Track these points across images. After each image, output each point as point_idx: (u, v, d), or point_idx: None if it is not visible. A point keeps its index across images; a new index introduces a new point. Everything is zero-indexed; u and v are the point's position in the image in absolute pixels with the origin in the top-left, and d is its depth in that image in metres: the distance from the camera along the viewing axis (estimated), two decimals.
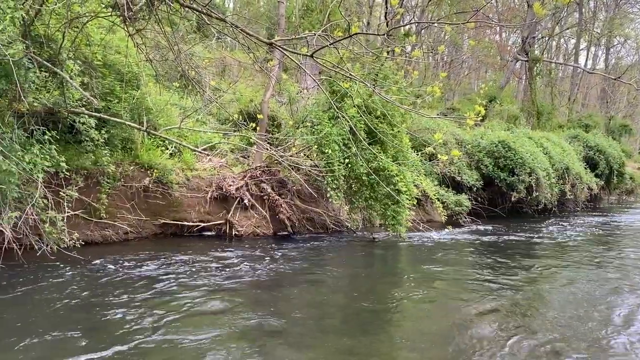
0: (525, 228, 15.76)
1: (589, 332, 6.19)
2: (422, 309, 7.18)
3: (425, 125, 17.43)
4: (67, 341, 5.18)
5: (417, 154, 14.36)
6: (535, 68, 32.17)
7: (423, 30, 29.84)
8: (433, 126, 17.64)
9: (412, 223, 12.94)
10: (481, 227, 15.43)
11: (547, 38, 38.40)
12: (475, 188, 17.31)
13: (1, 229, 7.60)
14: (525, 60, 31.23)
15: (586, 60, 47.75)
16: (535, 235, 14.31)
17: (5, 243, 7.71)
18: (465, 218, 15.95)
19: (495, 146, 18.10)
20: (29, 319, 5.76)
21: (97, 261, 8.42)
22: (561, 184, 19.63)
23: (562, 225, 17.04)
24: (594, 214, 21.70)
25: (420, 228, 13.79)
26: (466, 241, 12.89)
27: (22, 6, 7.21)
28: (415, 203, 12.57)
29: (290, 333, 5.81)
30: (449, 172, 16.92)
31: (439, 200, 14.51)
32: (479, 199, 17.76)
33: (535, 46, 34.39)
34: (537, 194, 17.92)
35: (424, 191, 14.69)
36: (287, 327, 5.97)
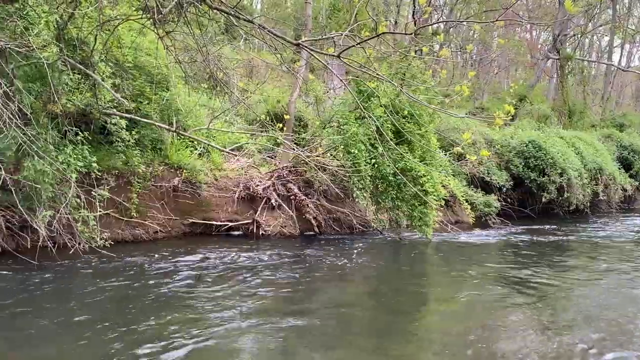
0: (556, 229, 15.44)
1: (621, 334, 6.03)
2: (449, 310, 7.11)
3: (454, 124, 17.21)
4: (100, 333, 5.30)
5: (445, 154, 14.21)
6: (567, 66, 31.45)
7: (451, 29, 29.52)
8: (461, 126, 17.42)
9: (439, 224, 12.81)
10: (511, 229, 15.18)
11: (579, 35, 37.51)
12: (504, 189, 17.05)
13: (36, 227, 7.83)
14: (557, 59, 30.57)
15: (620, 58, 46.46)
16: (567, 237, 14.00)
17: (40, 241, 7.94)
18: (495, 219, 15.71)
19: (526, 146, 17.77)
20: (63, 314, 5.91)
21: (129, 259, 8.59)
22: (594, 185, 19.14)
23: (594, 226, 16.64)
24: (628, 215, 21.10)
25: (448, 229, 13.65)
26: (495, 242, 12.71)
27: (56, 10, 7.40)
28: (443, 204, 12.44)
29: (316, 332, 5.82)
30: (477, 172, 16.69)
31: (467, 201, 14.33)
32: (509, 199, 17.48)
33: (567, 44, 33.64)
34: (568, 194, 17.51)
35: (452, 192, 14.53)
36: (313, 326, 5.99)
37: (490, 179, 16.79)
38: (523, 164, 17.62)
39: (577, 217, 18.67)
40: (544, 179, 17.24)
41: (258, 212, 11.83)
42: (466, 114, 20.92)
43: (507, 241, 12.94)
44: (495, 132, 18.78)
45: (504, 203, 16.82)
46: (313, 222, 12.18)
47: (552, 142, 18.20)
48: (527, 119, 25.24)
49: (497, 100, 30.44)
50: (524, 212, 18.06)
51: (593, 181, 19.22)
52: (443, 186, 12.96)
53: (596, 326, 6.35)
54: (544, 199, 17.38)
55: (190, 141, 11.59)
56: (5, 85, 6.83)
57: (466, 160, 15.51)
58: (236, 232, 11.75)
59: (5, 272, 7.26)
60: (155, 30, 8.37)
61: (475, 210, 14.89)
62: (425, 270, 10.02)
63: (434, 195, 11.50)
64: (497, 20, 5.69)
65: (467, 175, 16.52)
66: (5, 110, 6.76)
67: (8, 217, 8.04)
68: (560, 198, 17.61)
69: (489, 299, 7.55)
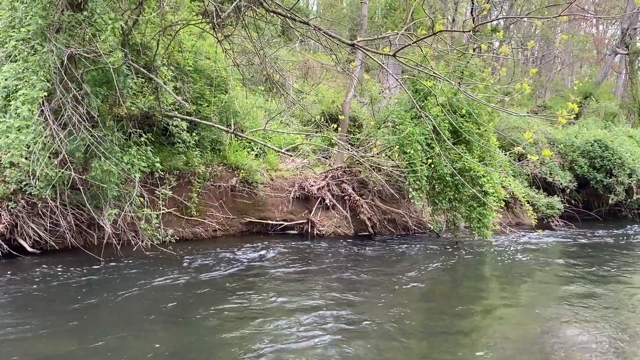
0: (623, 233, 14.66)
1: None
2: (507, 314, 6.90)
3: (514, 123, 16.71)
4: (161, 326, 5.50)
5: (505, 154, 13.79)
6: (637, 61, 29.83)
7: (512, 25, 28.64)
8: (522, 125, 16.87)
9: (499, 226, 12.46)
10: (575, 232, 14.55)
11: None
12: (568, 190, 16.38)
13: (102, 225, 8.23)
14: (626, 54, 29.03)
15: None
16: (635, 241, 13.27)
17: (106, 238, 8.33)
18: (557, 221, 15.12)
19: (591, 145, 17.00)
20: (128, 307, 6.17)
21: (189, 256, 8.86)
22: None
23: None
24: None
25: (508, 232, 13.25)
26: (558, 246, 12.22)
27: (121, 17, 7.75)
28: (502, 205, 12.09)
29: (369, 333, 5.80)
30: (539, 172, 16.13)
31: (528, 203, 13.85)
32: (573, 201, 16.80)
33: (637, 38, 31.89)
34: (638, 196, 16.62)
35: (513, 193, 14.09)
36: (366, 327, 5.97)
37: (553, 180, 16.18)
38: (588, 164, 16.87)
39: None
40: (610, 180, 16.44)
41: (312, 212, 11.92)
42: (527, 112, 20.27)
43: (571, 245, 12.41)
44: (558, 131, 18.08)
45: (567, 205, 16.17)
46: (367, 222, 12.14)
47: (620, 142, 17.33)
48: (593, 118, 24.16)
49: (560, 98, 29.32)
50: (589, 214, 17.30)
51: None
52: (503, 187, 12.59)
53: None
54: (610, 201, 16.60)
55: (247, 142, 11.84)
56: (75, 89, 7.21)
57: (527, 160, 14.99)
58: (291, 232, 11.89)
59: (74, 267, 7.65)
60: (214, 34, 8.62)
61: (537, 212, 14.37)
62: (482, 273, 9.77)
63: (494, 196, 11.19)
64: (560, 15, 5.46)
65: (528, 175, 16.00)
66: (74, 113, 7.14)
67: (77, 215, 8.47)
68: (629, 200, 16.76)
69: (550, 305, 7.27)
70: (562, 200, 15.79)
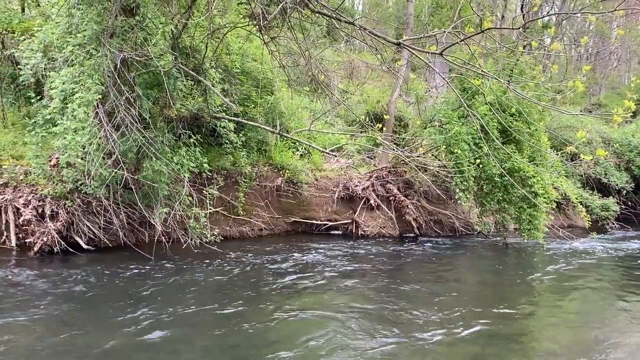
0: None
1: None
2: (558, 319, 6.67)
3: (567, 122, 16.19)
4: (209, 320, 5.61)
5: (557, 154, 13.35)
6: None
7: (564, 21, 27.67)
8: (575, 124, 16.32)
9: (550, 228, 12.07)
10: (631, 234, 13.92)
11: None
12: (624, 191, 15.73)
13: (153, 223, 8.47)
14: None
15: None
16: None
17: (156, 236, 8.58)
18: (613, 224, 14.55)
19: None
20: (178, 301, 6.33)
21: (236, 254, 9.00)
22: None
23: None
24: None
25: (560, 234, 12.81)
26: (612, 249, 11.72)
27: (171, 21, 7.96)
28: (554, 207, 11.71)
29: (416, 336, 5.72)
30: (593, 173, 15.57)
31: (581, 204, 13.36)
32: (629, 203, 16.16)
33: None
34: None
35: (565, 194, 13.63)
36: (412, 330, 5.89)
37: (608, 181, 15.58)
38: None
39: None
40: None
41: (357, 212, 11.89)
42: (581, 111, 19.57)
43: (627, 248, 11.88)
44: (614, 130, 17.38)
45: (623, 207, 15.55)
46: (413, 223, 12.01)
47: None
48: None
49: (616, 96, 28.14)
50: None
51: None
52: (554, 188, 12.20)
53: None
54: None
55: (292, 142, 11.94)
56: (128, 92, 7.45)
57: (580, 160, 14.47)
58: (336, 232, 11.90)
59: (127, 263, 7.91)
60: (261, 36, 8.74)
61: (591, 213, 13.86)
62: (532, 276, 9.47)
63: (545, 198, 10.85)
64: (616, 10, 5.23)
65: (581, 176, 15.47)
66: (127, 115, 7.39)
67: (129, 213, 8.77)
68: None
69: (604, 311, 6.98)
70: (617, 202, 15.20)
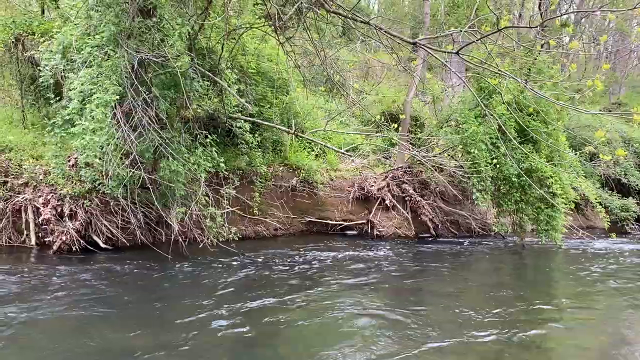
0: None
1: None
2: (577, 322, 6.57)
3: (585, 122, 15.99)
4: (226, 320, 5.63)
5: (576, 154, 13.18)
6: None
7: (583, 19, 27.32)
8: (594, 123, 16.11)
9: (568, 229, 11.92)
10: None
11: None
12: None
13: (170, 222, 8.54)
14: None
15: None
16: None
17: (173, 236, 8.64)
18: (633, 225, 14.31)
19: None
20: (195, 299, 6.37)
21: (252, 254, 9.04)
22: None
23: None
24: None
25: (579, 235, 12.64)
26: (633, 251, 11.53)
27: (187, 22, 8.01)
28: (572, 207, 11.55)
29: (432, 337, 5.68)
30: (613, 173, 15.34)
31: (601, 205, 13.17)
32: None
33: None
34: None
35: (584, 194, 13.44)
36: (428, 334, 5.84)
37: (628, 181, 15.34)
38: None
39: None
40: None
41: (372, 213, 11.86)
42: (600, 110, 19.28)
43: None
44: (634, 130, 17.11)
45: None
46: (429, 223, 11.94)
47: None
48: None
49: (637, 95, 27.71)
50: None
51: None
52: (573, 188, 12.04)
53: None
54: None
55: (307, 142, 11.95)
56: (145, 93, 7.52)
57: (600, 160, 14.27)
58: (351, 232, 11.88)
59: (145, 262, 7.98)
60: (276, 37, 8.75)
61: (611, 214, 13.65)
62: (551, 278, 9.36)
63: (563, 198, 10.72)
64: (636, 7, 5.14)
65: (600, 176, 15.25)
66: (144, 115, 7.45)
67: (146, 213, 8.84)
68: None
69: (625, 315, 6.85)
70: (638, 203, 14.93)
